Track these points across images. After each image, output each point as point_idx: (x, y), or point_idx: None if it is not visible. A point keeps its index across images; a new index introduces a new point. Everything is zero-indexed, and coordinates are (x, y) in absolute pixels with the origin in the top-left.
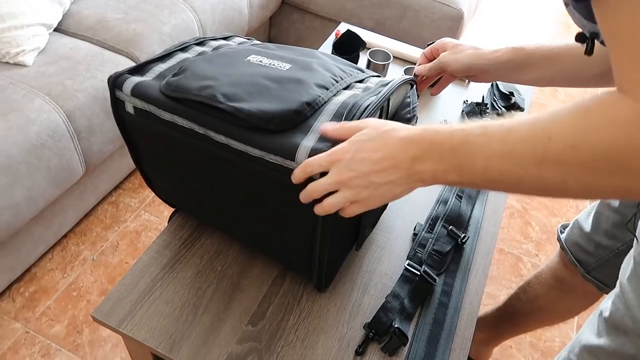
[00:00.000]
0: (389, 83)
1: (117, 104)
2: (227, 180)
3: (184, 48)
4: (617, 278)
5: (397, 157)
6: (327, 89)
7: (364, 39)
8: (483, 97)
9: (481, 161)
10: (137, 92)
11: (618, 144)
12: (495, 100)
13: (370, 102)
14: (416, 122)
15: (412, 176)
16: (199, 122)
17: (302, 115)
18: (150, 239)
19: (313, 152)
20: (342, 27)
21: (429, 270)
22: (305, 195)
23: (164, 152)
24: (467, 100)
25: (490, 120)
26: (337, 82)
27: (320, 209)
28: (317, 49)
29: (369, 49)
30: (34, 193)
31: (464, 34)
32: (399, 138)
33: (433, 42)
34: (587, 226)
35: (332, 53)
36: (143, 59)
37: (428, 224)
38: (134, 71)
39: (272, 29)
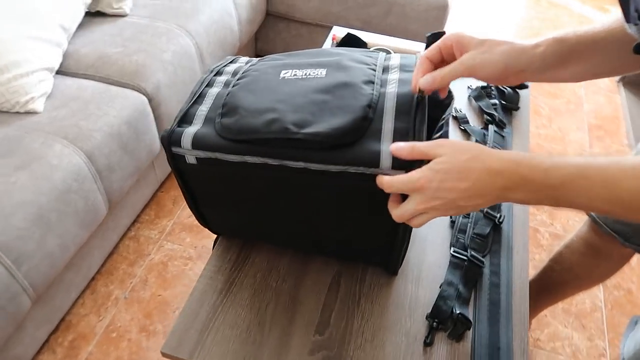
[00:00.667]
0: (414, 62)
1: (175, 159)
2: (303, 201)
3: (208, 84)
4: None
5: (485, 188)
6: (373, 82)
7: (363, 39)
8: None
9: (584, 200)
10: (198, 144)
11: None
12: None
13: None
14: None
15: (501, 199)
16: (273, 156)
17: (368, 120)
18: (177, 268)
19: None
20: (337, 31)
21: (474, 254)
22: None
23: (227, 191)
24: (471, 86)
25: (581, 158)
26: (375, 70)
27: (409, 224)
28: None
29: (369, 49)
30: (65, 240)
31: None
32: (487, 170)
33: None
34: None
35: None
36: (150, 89)
37: None
38: (181, 122)
39: (259, 42)
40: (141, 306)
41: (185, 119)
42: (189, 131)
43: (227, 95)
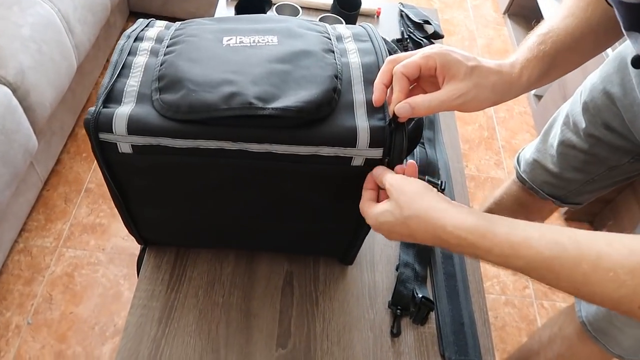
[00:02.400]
0: (367, 32)
1: (103, 148)
2: (264, 192)
3: (130, 52)
4: (592, 197)
5: (431, 243)
6: (333, 51)
7: None
8: (402, 32)
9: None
10: (136, 128)
11: None
12: (412, 33)
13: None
14: None
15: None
16: (233, 138)
17: (338, 92)
18: (86, 277)
19: (374, 130)
20: None
21: None
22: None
23: (170, 186)
24: (385, 39)
25: (547, 245)
26: (329, 39)
27: None
28: (200, 16)
29: (275, 4)
30: None
31: None
32: (431, 238)
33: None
34: (554, 166)
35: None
36: (11, 77)
37: None
38: (107, 101)
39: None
40: (51, 330)
41: (111, 96)
42: (121, 112)
43: (162, 65)
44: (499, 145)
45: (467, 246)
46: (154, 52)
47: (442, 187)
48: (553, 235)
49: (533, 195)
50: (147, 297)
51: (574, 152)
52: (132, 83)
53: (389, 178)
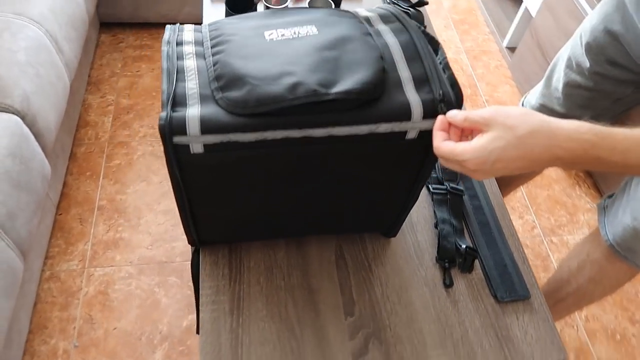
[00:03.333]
0: (391, 13)
1: (176, 151)
2: (323, 176)
3: (177, 57)
4: None
5: (538, 166)
6: (370, 34)
7: None
8: (387, 3)
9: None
10: (209, 127)
11: None
12: (396, 4)
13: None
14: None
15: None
16: (298, 126)
17: (386, 71)
18: (121, 291)
19: (426, 103)
20: None
21: (452, 184)
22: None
23: (234, 181)
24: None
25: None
26: (362, 23)
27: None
28: (173, 18)
29: None
30: None
31: None
32: (547, 153)
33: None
34: (560, 107)
35: (226, 11)
36: (18, 105)
37: None
38: (175, 105)
39: (100, 8)
40: (99, 348)
41: (177, 100)
42: (192, 114)
43: (215, 65)
44: (483, 100)
45: (590, 148)
46: (199, 55)
47: None
48: None
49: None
50: (214, 293)
51: (580, 91)
52: (191, 86)
53: (479, 111)
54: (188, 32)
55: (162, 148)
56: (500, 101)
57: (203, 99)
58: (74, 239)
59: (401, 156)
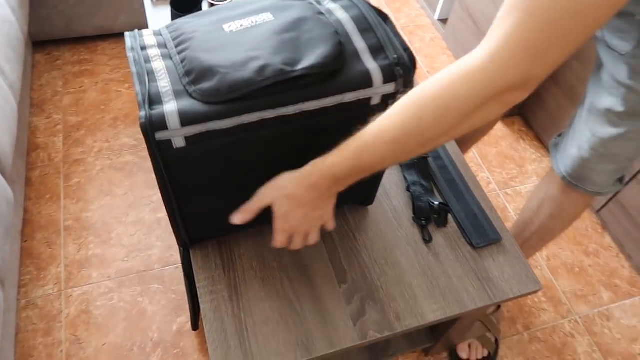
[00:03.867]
0: None
1: (159, 148)
2: (297, 155)
3: (145, 61)
4: None
5: (308, 202)
6: (322, 13)
7: None
8: None
9: (376, 165)
10: (188, 118)
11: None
12: None
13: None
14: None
15: (332, 197)
16: (271, 105)
17: (342, 44)
18: (104, 307)
19: (384, 68)
20: None
21: None
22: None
23: (218, 171)
24: None
25: (350, 146)
26: (313, 4)
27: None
28: (109, 29)
29: None
30: None
31: None
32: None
33: None
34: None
35: (172, 12)
36: None
37: None
38: (152, 104)
39: (31, 27)
40: None
41: (153, 99)
42: (169, 109)
43: (183, 62)
44: (424, 71)
45: (329, 178)
46: (165, 56)
47: None
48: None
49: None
50: (211, 284)
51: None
52: (164, 84)
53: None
54: (148, 36)
55: (121, 160)
56: (495, 137)
57: (177, 94)
58: (44, 264)
59: (366, 120)
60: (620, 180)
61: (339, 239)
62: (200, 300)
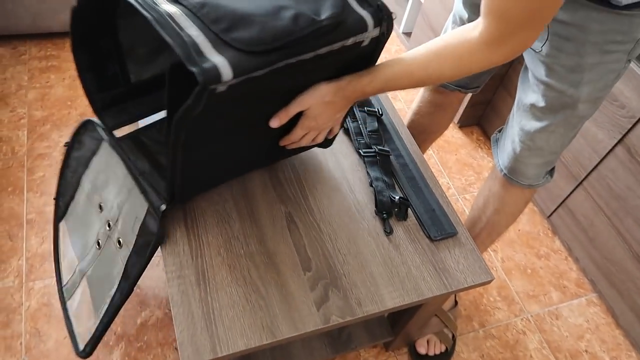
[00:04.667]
0: None
1: (205, 97)
2: (298, 89)
3: (154, 3)
4: (487, 78)
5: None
6: None
7: None
8: None
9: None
10: (239, 70)
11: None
12: None
13: None
14: None
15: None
16: (299, 52)
17: None
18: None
19: (373, 15)
20: None
21: (379, 147)
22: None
23: (233, 117)
24: None
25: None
26: None
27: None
28: None
29: None
30: None
31: None
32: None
33: None
34: None
35: None
36: None
37: (348, 116)
38: (198, 55)
39: None
40: (52, 358)
41: (196, 49)
42: (219, 61)
43: (204, 8)
44: None
45: (359, 91)
46: (173, 1)
47: (381, 114)
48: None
49: (443, 91)
50: (178, 269)
51: None
52: (194, 32)
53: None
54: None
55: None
56: (455, 145)
57: (214, 44)
58: (4, 257)
59: (358, 61)
60: (550, 173)
61: (304, 228)
62: (168, 284)
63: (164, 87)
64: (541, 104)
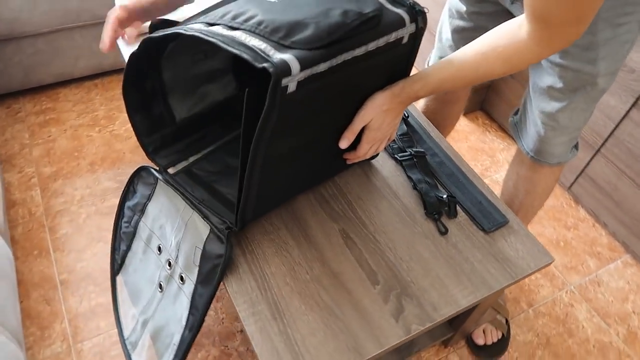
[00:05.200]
0: None
1: (276, 94)
2: (355, 95)
3: (215, 33)
4: None
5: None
6: None
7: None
8: None
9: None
10: (305, 62)
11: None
12: None
13: None
14: None
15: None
16: (352, 46)
17: None
18: (119, 356)
19: (407, 11)
20: None
21: (414, 148)
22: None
23: (306, 119)
24: None
25: (435, 75)
26: None
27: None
28: (69, 74)
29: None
30: None
31: None
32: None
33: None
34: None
35: None
36: None
37: None
38: (273, 54)
39: None
40: None
41: (262, 55)
42: (286, 57)
43: (261, 25)
44: None
45: (412, 95)
46: (227, 27)
47: (407, 116)
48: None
49: None
50: (251, 306)
51: (465, 34)
52: (257, 43)
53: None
54: (194, 24)
55: (106, 204)
56: (463, 132)
57: (277, 48)
58: (47, 322)
59: (398, 58)
60: (576, 147)
61: (361, 242)
62: (244, 323)
63: (207, 124)
64: (559, 85)
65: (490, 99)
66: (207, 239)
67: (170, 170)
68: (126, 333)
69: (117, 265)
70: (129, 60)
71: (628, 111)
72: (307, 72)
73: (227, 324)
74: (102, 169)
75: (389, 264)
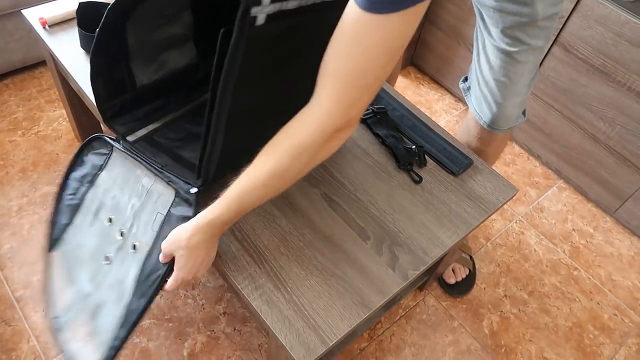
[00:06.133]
0: None
1: (244, 25)
2: (321, 42)
3: None
4: None
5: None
6: None
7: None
8: None
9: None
10: None
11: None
12: None
13: None
14: None
15: (215, 242)
16: None
17: None
18: None
19: None
20: (45, 11)
21: (373, 106)
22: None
23: (266, 68)
24: None
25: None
26: None
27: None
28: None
29: None
30: None
31: None
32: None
33: None
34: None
35: (80, 32)
36: None
37: None
38: None
39: None
40: None
41: None
42: None
43: None
44: None
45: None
46: None
47: None
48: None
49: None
50: (252, 282)
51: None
52: None
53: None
54: None
55: (48, 211)
56: (399, 88)
57: None
58: (11, 344)
59: None
60: (524, 113)
61: (345, 204)
62: (249, 299)
63: (167, 94)
64: (506, 39)
65: (420, 53)
66: (172, 202)
67: (130, 138)
68: (58, 311)
69: (53, 240)
70: (103, 20)
71: (550, 48)
72: (277, 6)
73: (208, 308)
74: (36, 174)
75: (374, 218)
